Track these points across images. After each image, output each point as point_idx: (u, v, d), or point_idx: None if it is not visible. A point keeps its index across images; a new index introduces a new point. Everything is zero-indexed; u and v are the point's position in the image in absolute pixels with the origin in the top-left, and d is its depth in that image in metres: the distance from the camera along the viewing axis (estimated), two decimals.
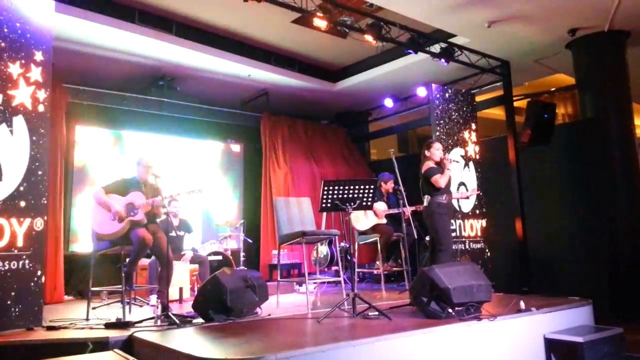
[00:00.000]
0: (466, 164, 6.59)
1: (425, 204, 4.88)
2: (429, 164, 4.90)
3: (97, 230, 4.44)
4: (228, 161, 8.72)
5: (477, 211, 6.55)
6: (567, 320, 4.31)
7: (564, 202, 6.67)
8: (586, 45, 6.61)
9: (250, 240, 7.45)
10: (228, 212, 8.44)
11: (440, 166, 4.88)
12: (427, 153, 4.97)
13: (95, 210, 4.49)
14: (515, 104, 7.25)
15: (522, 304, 4.14)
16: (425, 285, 3.89)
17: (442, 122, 6.43)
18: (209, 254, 6.60)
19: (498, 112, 8.79)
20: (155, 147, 7.81)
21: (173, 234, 5.52)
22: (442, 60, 6.36)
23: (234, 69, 7.33)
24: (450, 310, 3.77)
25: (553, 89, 9.09)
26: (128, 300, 4.61)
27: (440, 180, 4.79)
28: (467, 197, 6.31)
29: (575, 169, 6.63)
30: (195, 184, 6.98)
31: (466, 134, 6.69)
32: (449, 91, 6.68)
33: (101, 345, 3.37)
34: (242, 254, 7.19)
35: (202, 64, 7.11)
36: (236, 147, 8.86)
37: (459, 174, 6.41)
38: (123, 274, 4.39)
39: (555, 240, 6.65)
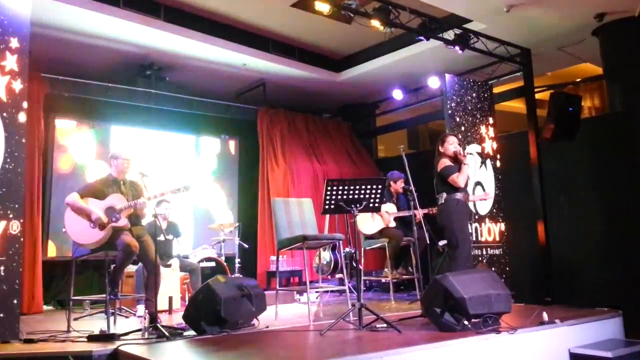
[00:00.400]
0: (483, 162, 6.58)
1: (441, 201, 4.85)
2: (445, 161, 4.86)
3: (77, 241, 4.41)
4: (222, 158, 8.71)
5: (495, 214, 6.53)
6: (595, 333, 4.30)
7: (590, 204, 6.65)
8: (615, 32, 6.59)
9: (246, 245, 7.45)
10: (222, 214, 8.43)
11: (457, 162, 4.84)
12: (441, 148, 4.95)
13: (71, 219, 4.43)
14: (537, 96, 7.24)
15: (545, 316, 4.13)
16: (438, 295, 3.88)
17: (456, 115, 6.42)
18: (201, 260, 6.60)
19: (518, 105, 8.77)
20: (143, 143, 7.81)
21: (161, 237, 5.52)
22: (457, 47, 6.34)
23: (228, 57, 7.32)
24: (466, 322, 3.76)
25: (578, 80, 9.07)
26: (113, 311, 4.62)
27: (458, 180, 4.77)
28: (485, 199, 6.30)
29: (603, 167, 6.61)
30: (182, 182, 6.99)
31: (483, 129, 6.68)
32: (464, 82, 6.66)
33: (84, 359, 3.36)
34: (237, 260, 7.19)
35: (193, 51, 7.10)
36: (231, 143, 8.86)
37: (474, 173, 6.40)
38: (107, 282, 4.39)
39: (581, 245, 6.63)
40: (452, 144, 4.92)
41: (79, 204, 4.44)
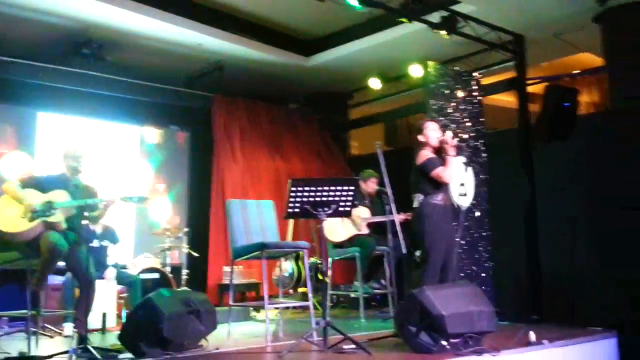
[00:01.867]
0: (467, 164, 6.64)
1: (415, 204, 4.75)
2: (426, 153, 4.71)
3: (2, 228, 4.32)
4: (170, 153, 8.63)
5: (481, 223, 6.61)
6: (588, 355, 4.41)
7: (585, 212, 6.78)
8: (619, 18, 6.69)
9: (195, 254, 7.39)
10: (168, 217, 8.35)
11: (441, 154, 4.68)
12: (421, 138, 4.78)
13: (1, 204, 4.38)
14: (530, 88, 7.34)
15: (532, 336, 4.21)
16: (413, 312, 3.92)
17: (439, 108, 6.47)
18: (142, 271, 6.53)
19: (508, 99, 8.89)
20: (76, 133, 7.67)
21: (95, 244, 5.45)
22: (443, 32, 6.40)
23: (180, 35, 7.25)
24: (444, 343, 3.81)
25: (576, 72, 9.25)
26: (35, 329, 4.53)
27: (444, 174, 4.59)
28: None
29: (601, 170, 6.74)
30: (134, 188, 6.92)
31: (469, 125, 6.75)
32: (450, 71, 6.73)
33: None
34: (184, 271, 7.13)
35: (139, 27, 7.01)
36: (180, 136, 8.77)
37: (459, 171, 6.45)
38: (28, 295, 4.31)
39: (574, 258, 6.72)
40: (433, 130, 4.76)
41: (16, 192, 4.38)
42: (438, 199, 4.70)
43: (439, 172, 4.63)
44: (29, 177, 4.65)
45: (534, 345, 4.13)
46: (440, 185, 4.69)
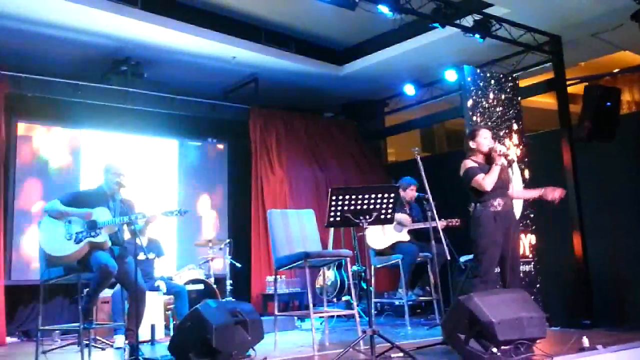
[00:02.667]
0: (509, 166, 6.57)
1: (471, 212, 4.70)
2: (467, 162, 4.69)
3: (49, 252, 4.45)
4: (209, 165, 8.73)
5: (525, 224, 6.52)
6: None
7: (633, 212, 6.64)
8: None
9: (238, 265, 7.45)
10: (210, 229, 8.44)
11: (488, 163, 4.64)
12: (471, 144, 4.73)
13: (46, 227, 4.50)
14: (569, 89, 7.25)
15: (586, 341, 4.13)
16: (462, 319, 3.88)
17: (477, 113, 6.43)
18: (187, 283, 6.60)
19: (547, 100, 8.78)
20: (118, 148, 7.83)
21: (142, 257, 5.54)
22: (477, 36, 6.36)
23: (215, 49, 7.35)
24: (494, 350, 3.76)
25: (616, 70, 9.09)
26: (87, 342, 4.61)
27: (484, 182, 4.51)
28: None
29: None
30: (172, 199, 7.02)
31: (508, 128, 6.68)
32: (486, 75, 6.68)
33: None
34: (228, 281, 7.19)
35: (174, 43, 7.13)
36: (219, 148, 8.87)
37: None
38: (80, 309, 4.40)
39: (624, 260, 6.62)
40: (486, 138, 4.70)
41: (59, 209, 4.49)
42: (490, 204, 4.60)
43: (478, 179, 4.57)
44: (68, 194, 4.75)
45: (588, 351, 4.04)
46: (487, 193, 4.58)
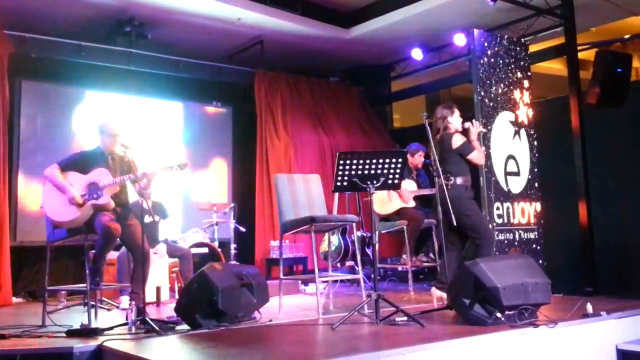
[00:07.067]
0: (517, 132, 6.54)
1: (451, 183, 4.89)
2: (460, 136, 4.94)
3: (52, 218, 4.46)
4: (213, 129, 8.70)
5: (530, 192, 6.52)
6: None
7: (639, 180, 6.63)
8: None
9: (242, 229, 7.48)
10: (214, 193, 8.45)
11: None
12: (450, 119, 5.01)
13: (48, 192, 4.50)
14: (580, 55, 7.16)
15: (589, 307, 4.16)
16: (467, 284, 3.91)
17: (485, 78, 6.36)
18: (192, 246, 6.65)
19: (557, 66, 8.69)
20: (122, 110, 7.80)
21: (148, 219, 5.56)
22: None
23: (219, 10, 7.25)
24: (498, 315, 3.80)
25: (627, 36, 8.97)
26: (93, 303, 4.66)
27: (478, 159, 4.94)
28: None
29: None
30: (174, 158, 7.01)
31: (517, 94, 6.62)
32: (496, 39, 6.59)
33: (63, 357, 3.41)
34: (232, 245, 7.24)
35: (179, 4, 7.03)
36: (223, 111, 8.82)
37: (507, 145, 6.37)
38: (87, 270, 4.43)
39: (629, 227, 6.63)
40: (458, 116, 5.03)
41: (56, 180, 4.48)
42: (466, 180, 4.93)
43: (473, 156, 4.91)
44: (67, 158, 4.73)
45: (591, 317, 4.08)
46: (477, 167, 5.05)
